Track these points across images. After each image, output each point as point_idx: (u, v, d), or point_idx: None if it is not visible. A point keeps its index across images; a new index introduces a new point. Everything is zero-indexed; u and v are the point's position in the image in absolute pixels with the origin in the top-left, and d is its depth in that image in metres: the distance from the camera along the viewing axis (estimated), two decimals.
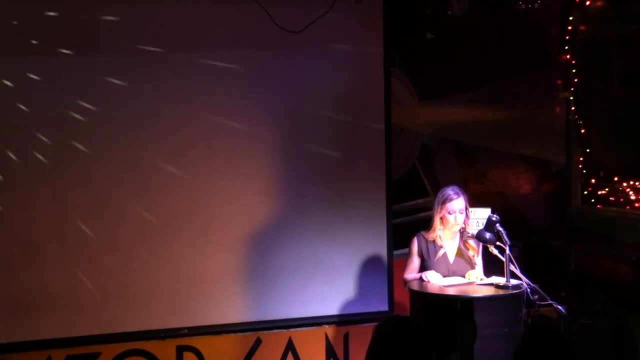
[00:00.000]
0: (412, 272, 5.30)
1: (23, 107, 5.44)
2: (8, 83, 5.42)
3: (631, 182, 6.34)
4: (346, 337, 6.09)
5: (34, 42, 5.45)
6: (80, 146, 5.57)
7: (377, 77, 6.21)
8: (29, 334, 5.45)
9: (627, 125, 6.49)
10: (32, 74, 5.46)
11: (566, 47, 6.82)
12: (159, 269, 5.72)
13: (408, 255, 5.38)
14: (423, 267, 5.29)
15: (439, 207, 5.22)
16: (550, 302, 5.12)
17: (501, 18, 6.67)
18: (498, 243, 5.12)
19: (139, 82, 5.67)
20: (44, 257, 5.49)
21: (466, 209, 5.24)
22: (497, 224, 5.13)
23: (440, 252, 5.26)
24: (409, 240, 5.38)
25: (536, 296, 5.04)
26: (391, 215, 6.26)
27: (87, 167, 5.58)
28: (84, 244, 5.57)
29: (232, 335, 5.89)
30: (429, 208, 5.63)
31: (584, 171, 6.81)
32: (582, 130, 6.79)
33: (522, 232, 6.47)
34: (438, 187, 6.07)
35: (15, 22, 5.41)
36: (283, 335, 5.97)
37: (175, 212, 5.76)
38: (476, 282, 5.14)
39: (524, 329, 4.72)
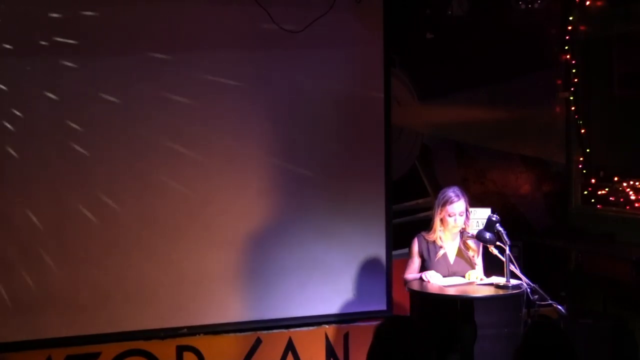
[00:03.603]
0: (412, 272, 5.31)
1: (22, 107, 5.44)
2: (7, 83, 5.41)
3: (631, 182, 6.34)
4: (346, 337, 6.10)
5: (33, 41, 5.45)
6: (79, 146, 5.56)
7: (377, 77, 6.21)
8: (29, 333, 5.45)
9: (627, 125, 6.49)
10: (31, 74, 5.44)
11: (566, 47, 6.83)
12: (159, 268, 5.72)
13: (409, 255, 5.38)
14: (423, 268, 5.29)
15: (439, 208, 5.23)
16: (550, 302, 5.13)
17: (501, 18, 6.66)
18: (498, 243, 5.12)
19: (138, 82, 5.66)
20: (44, 257, 5.49)
21: (466, 210, 5.25)
22: (497, 224, 5.13)
23: (441, 253, 5.27)
24: (409, 240, 5.39)
25: (536, 296, 5.05)
26: (390, 215, 6.26)
27: (87, 167, 5.57)
28: (84, 244, 5.56)
29: (232, 335, 5.89)
30: (429, 208, 5.64)
31: (584, 171, 6.81)
32: (582, 130, 6.79)
33: (522, 232, 6.48)
34: (438, 187, 6.08)
35: (14, 21, 5.41)
36: (283, 335, 5.97)
37: (175, 212, 5.75)
38: (476, 282, 5.14)
39: (524, 329, 4.73)
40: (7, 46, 5.39)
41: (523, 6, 6.60)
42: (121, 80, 5.62)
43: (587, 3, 6.65)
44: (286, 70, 5.99)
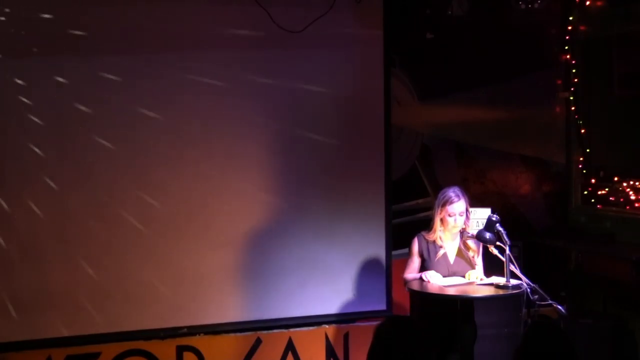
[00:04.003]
0: (412, 272, 5.31)
1: (23, 107, 5.43)
2: (8, 84, 5.41)
3: (631, 182, 6.34)
4: (346, 337, 6.10)
5: (33, 41, 5.44)
6: (80, 146, 5.56)
7: (377, 77, 6.21)
8: (29, 333, 5.45)
9: (627, 125, 6.48)
10: (31, 74, 5.44)
11: (566, 47, 6.82)
12: (159, 268, 5.72)
13: (408, 255, 5.38)
14: (423, 267, 5.29)
15: (439, 208, 5.23)
16: (550, 302, 5.13)
17: (501, 18, 6.66)
18: (498, 243, 5.12)
19: (138, 82, 5.66)
20: (44, 257, 5.49)
21: (467, 210, 5.24)
22: (497, 224, 5.13)
23: (441, 252, 5.27)
24: (409, 240, 5.39)
25: (536, 296, 5.05)
26: (390, 215, 6.26)
27: (87, 167, 5.57)
28: (84, 244, 5.56)
29: (232, 335, 5.89)
30: (429, 208, 5.64)
31: (584, 171, 6.81)
32: (582, 130, 6.79)
33: (522, 232, 6.48)
34: (438, 187, 6.08)
35: (14, 21, 5.41)
36: (283, 335, 5.97)
37: (175, 212, 5.75)
38: (476, 282, 5.14)
39: (524, 329, 4.73)
40: (8, 46, 5.39)
41: (523, 6, 6.59)
42: (121, 80, 5.62)
43: (587, 3, 6.65)
44: (286, 70, 5.98)
